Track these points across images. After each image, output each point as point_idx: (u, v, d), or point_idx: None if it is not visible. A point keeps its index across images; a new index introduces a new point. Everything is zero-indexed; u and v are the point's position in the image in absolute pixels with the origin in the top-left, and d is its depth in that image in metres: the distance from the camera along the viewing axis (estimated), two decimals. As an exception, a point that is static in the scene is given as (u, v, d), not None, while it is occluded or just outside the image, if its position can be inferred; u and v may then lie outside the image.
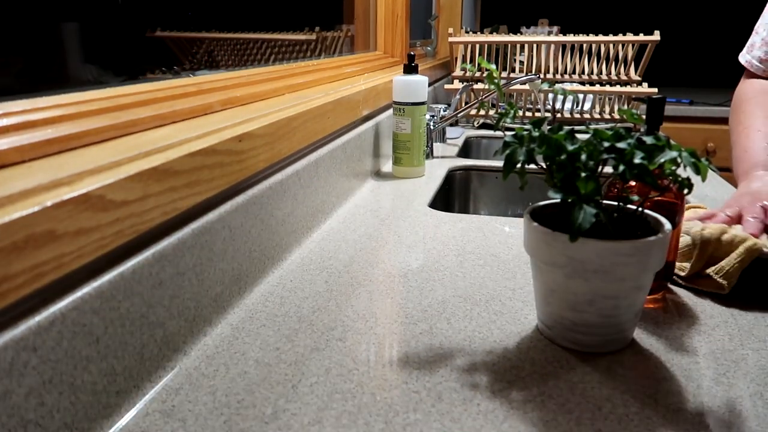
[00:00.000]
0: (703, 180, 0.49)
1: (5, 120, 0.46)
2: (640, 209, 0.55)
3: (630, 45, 1.68)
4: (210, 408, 0.46)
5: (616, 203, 0.55)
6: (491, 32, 2.19)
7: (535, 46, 1.76)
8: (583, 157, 0.50)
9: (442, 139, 1.55)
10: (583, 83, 1.72)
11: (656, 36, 1.64)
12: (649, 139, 0.50)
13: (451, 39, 1.81)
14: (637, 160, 0.49)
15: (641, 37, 1.66)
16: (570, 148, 0.50)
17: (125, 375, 0.46)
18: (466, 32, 2.00)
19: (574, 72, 1.74)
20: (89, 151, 0.49)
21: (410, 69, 1.15)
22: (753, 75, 1.05)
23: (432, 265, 0.74)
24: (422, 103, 1.14)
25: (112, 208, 0.42)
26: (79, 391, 0.41)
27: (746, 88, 1.03)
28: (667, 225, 0.54)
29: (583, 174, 0.49)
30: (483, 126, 1.79)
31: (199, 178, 0.53)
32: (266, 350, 0.54)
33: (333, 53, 1.70)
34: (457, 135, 1.62)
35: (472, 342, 0.56)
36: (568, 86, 1.70)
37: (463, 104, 1.69)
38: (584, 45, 1.72)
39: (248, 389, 0.49)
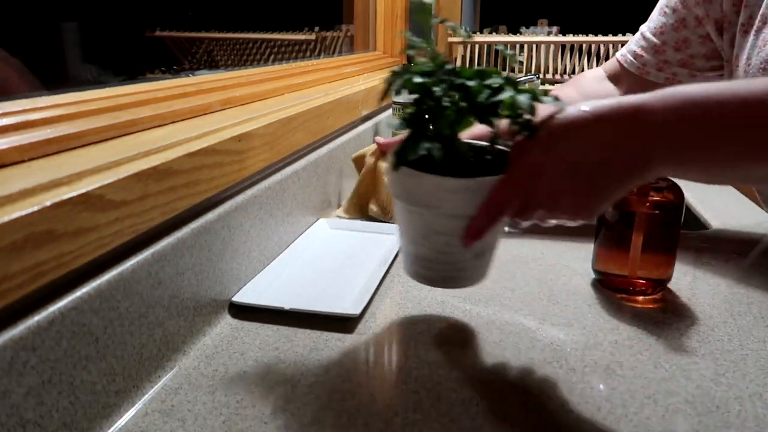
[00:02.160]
0: (532, 115, 0.48)
1: (5, 120, 0.46)
2: (496, 146, 0.53)
3: (629, 45, 1.68)
4: (209, 408, 0.46)
5: (484, 143, 0.54)
6: (491, 32, 2.19)
7: (534, 46, 1.76)
8: (437, 89, 0.49)
9: (442, 139, 1.55)
10: (582, 83, 1.72)
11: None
12: (499, 81, 0.49)
13: (450, 39, 1.81)
14: (482, 100, 0.48)
15: (641, 37, 1.66)
16: (423, 80, 0.49)
17: (124, 375, 0.46)
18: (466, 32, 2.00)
19: (573, 72, 1.74)
20: (88, 150, 0.49)
21: (410, 69, 1.15)
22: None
23: (431, 265, 0.74)
24: (422, 103, 1.14)
25: (111, 208, 0.42)
26: (78, 390, 0.41)
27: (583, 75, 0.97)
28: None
29: (436, 110, 0.49)
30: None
31: (198, 177, 0.53)
32: (265, 350, 0.54)
33: (332, 53, 1.70)
34: (457, 135, 1.62)
35: (471, 342, 0.56)
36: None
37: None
38: (584, 45, 1.72)
39: (247, 389, 0.49)
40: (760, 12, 0.76)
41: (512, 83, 0.49)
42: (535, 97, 0.47)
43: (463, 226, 0.50)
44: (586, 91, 0.92)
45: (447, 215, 0.51)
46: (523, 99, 0.47)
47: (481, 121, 0.49)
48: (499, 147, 0.53)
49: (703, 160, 0.46)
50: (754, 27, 0.77)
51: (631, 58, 0.92)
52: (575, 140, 0.47)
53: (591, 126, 0.47)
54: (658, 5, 0.91)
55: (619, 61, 0.95)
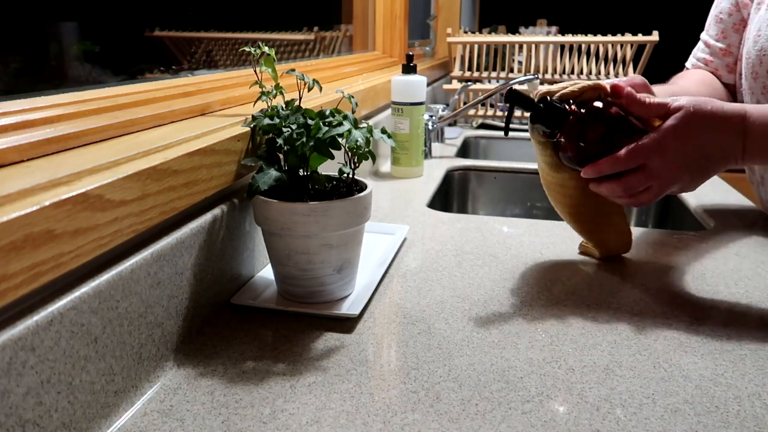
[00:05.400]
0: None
1: (4, 119, 0.46)
2: (350, 175, 0.64)
3: (629, 45, 1.68)
4: (208, 408, 0.46)
5: (335, 175, 0.64)
6: (490, 32, 2.19)
7: (533, 46, 1.76)
8: (286, 130, 0.59)
9: (441, 139, 1.55)
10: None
11: (655, 36, 1.65)
12: (338, 118, 0.60)
13: (449, 39, 1.81)
14: (320, 135, 0.58)
15: (640, 37, 1.66)
16: (271, 122, 0.59)
17: (123, 375, 0.46)
18: (465, 32, 2.00)
19: (572, 72, 1.74)
20: (88, 150, 0.49)
21: (409, 69, 1.15)
22: None
23: (430, 265, 0.74)
24: (421, 103, 1.14)
25: (110, 208, 0.42)
26: (77, 390, 0.41)
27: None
28: (356, 196, 0.60)
29: (285, 146, 0.58)
30: (482, 126, 1.79)
31: (197, 177, 0.53)
32: (264, 350, 0.54)
33: (331, 53, 1.70)
34: (456, 135, 1.62)
35: (470, 342, 0.56)
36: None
37: (462, 104, 1.69)
38: (583, 45, 1.72)
39: (246, 389, 0.49)
40: None
41: (350, 120, 0.59)
42: (370, 131, 0.60)
43: (318, 245, 0.58)
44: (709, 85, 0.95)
45: (302, 236, 0.58)
46: (357, 134, 0.58)
47: (322, 154, 0.59)
48: (357, 178, 0.64)
49: None
50: (766, 3, 0.82)
51: (702, 65, 0.97)
52: (698, 132, 0.63)
53: (716, 123, 0.63)
54: (712, 13, 0.95)
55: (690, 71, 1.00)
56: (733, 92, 0.93)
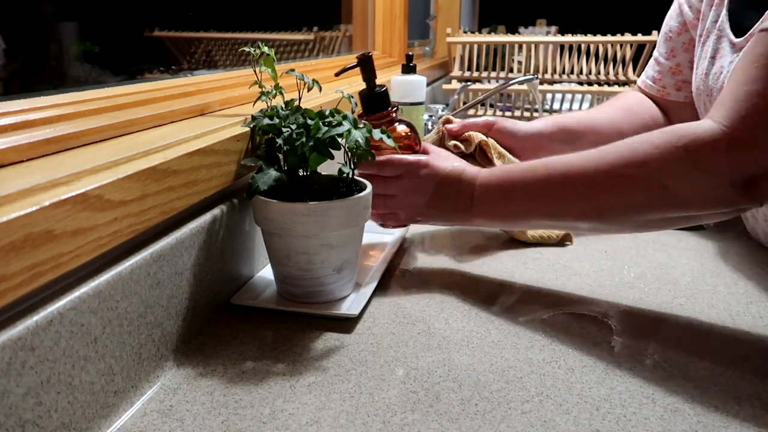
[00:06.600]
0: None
1: (4, 120, 0.46)
2: (350, 175, 0.64)
3: (628, 45, 1.68)
4: (208, 408, 0.46)
5: (335, 175, 0.64)
6: (489, 32, 2.19)
7: (533, 46, 1.76)
8: (285, 130, 0.59)
9: (441, 139, 1.55)
10: (581, 83, 1.73)
11: (654, 36, 1.64)
12: (337, 118, 0.59)
13: (449, 39, 1.81)
14: (320, 135, 0.58)
15: (639, 37, 1.66)
16: (271, 122, 0.59)
17: (123, 375, 0.46)
18: (465, 32, 2.00)
19: (572, 72, 1.74)
20: (87, 150, 0.49)
21: (408, 69, 1.15)
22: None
23: (430, 265, 0.74)
24: (420, 104, 1.14)
25: (110, 208, 0.42)
26: (77, 390, 0.41)
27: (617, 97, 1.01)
28: (356, 196, 0.60)
29: (285, 146, 0.58)
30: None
31: (197, 177, 0.53)
32: (264, 350, 0.54)
33: (331, 53, 1.70)
34: (456, 135, 1.62)
35: (470, 342, 0.56)
36: (566, 86, 1.70)
37: (462, 104, 1.69)
38: (582, 45, 1.72)
39: (246, 389, 0.49)
40: (706, 26, 0.81)
41: (350, 120, 0.59)
42: (369, 131, 0.59)
43: (318, 245, 0.58)
44: (634, 112, 0.95)
45: (301, 236, 0.58)
46: (357, 134, 0.57)
47: (322, 154, 0.59)
48: (357, 178, 0.65)
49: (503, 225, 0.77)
50: (702, 38, 0.83)
51: (651, 83, 0.97)
52: (439, 184, 0.69)
53: (453, 182, 0.69)
54: (662, 31, 0.96)
55: (640, 88, 1.00)
56: (686, 109, 0.91)
